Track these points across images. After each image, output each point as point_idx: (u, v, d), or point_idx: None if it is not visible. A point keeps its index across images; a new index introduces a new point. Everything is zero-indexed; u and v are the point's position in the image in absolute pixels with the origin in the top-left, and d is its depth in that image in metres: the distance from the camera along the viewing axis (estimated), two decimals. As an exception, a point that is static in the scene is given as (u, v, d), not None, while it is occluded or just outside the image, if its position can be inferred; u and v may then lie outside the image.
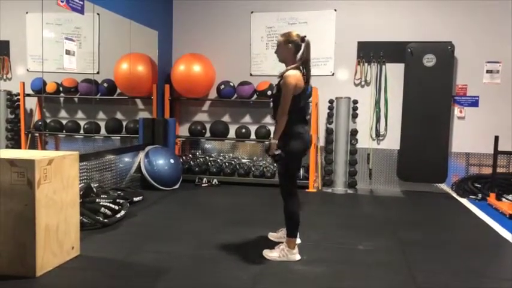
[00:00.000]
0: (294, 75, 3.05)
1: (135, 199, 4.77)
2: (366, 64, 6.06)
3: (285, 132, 3.10)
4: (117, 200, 4.26)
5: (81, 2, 4.31)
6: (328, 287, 2.80)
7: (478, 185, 5.65)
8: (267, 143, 3.18)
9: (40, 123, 5.25)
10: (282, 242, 3.28)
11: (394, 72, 5.94)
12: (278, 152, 3.08)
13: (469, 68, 5.81)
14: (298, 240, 3.32)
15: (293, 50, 3.12)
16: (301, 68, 3.12)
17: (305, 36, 3.14)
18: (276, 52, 3.24)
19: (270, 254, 3.21)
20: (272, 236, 3.66)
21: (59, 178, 2.94)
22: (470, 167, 5.93)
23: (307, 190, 5.78)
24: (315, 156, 5.93)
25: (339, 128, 5.88)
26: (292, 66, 3.11)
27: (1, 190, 2.75)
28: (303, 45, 3.11)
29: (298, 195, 3.25)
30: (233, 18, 6.40)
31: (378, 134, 6.09)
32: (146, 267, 3.01)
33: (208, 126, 6.36)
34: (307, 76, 3.14)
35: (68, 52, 4.35)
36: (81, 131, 5.62)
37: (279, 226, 3.66)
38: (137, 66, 5.90)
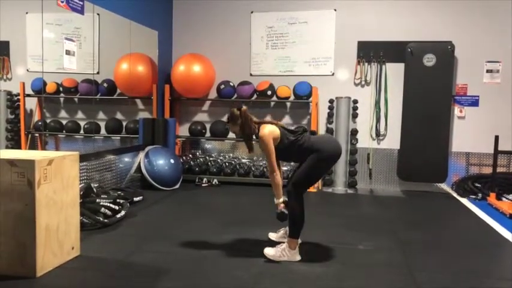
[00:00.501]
0: (268, 132, 3.19)
1: (135, 199, 4.77)
2: (366, 64, 6.06)
3: (308, 153, 3.18)
4: (117, 200, 4.27)
5: (81, 2, 4.31)
6: (328, 287, 2.80)
7: (478, 185, 5.65)
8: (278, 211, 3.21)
9: (40, 123, 5.25)
10: (283, 242, 3.28)
11: (394, 72, 5.94)
12: (284, 210, 3.18)
13: (469, 68, 5.81)
14: (299, 241, 3.32)
15: (242, 121, 3.29)
16: (260, 121, 3.32)
17: (240, 107, 3.33)
18: (238, 136, 3.43)
19: (271, 254, 3.21)
20: (272, 236, 3.67)
21: (59, 178, 2.94)
22: (470, 166, 5.93)
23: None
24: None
25: (339, 127, 5.88)
26: (257, 126, 3.26)
27: (1, 190, 2.75)
28: (243, 113, 3.28)
29: (303, 197, 3.25)
30: (233, 18, 6.41)
31: (378, 134, 6.09)
32: (146, 267, 3.01)
33: (208, 126, 6.36)
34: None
35: (68, 52, 4.35)
36: (81, 131, 5.62)
37: (279, 226, 3.66)
38: (137, 66, 5.90)
